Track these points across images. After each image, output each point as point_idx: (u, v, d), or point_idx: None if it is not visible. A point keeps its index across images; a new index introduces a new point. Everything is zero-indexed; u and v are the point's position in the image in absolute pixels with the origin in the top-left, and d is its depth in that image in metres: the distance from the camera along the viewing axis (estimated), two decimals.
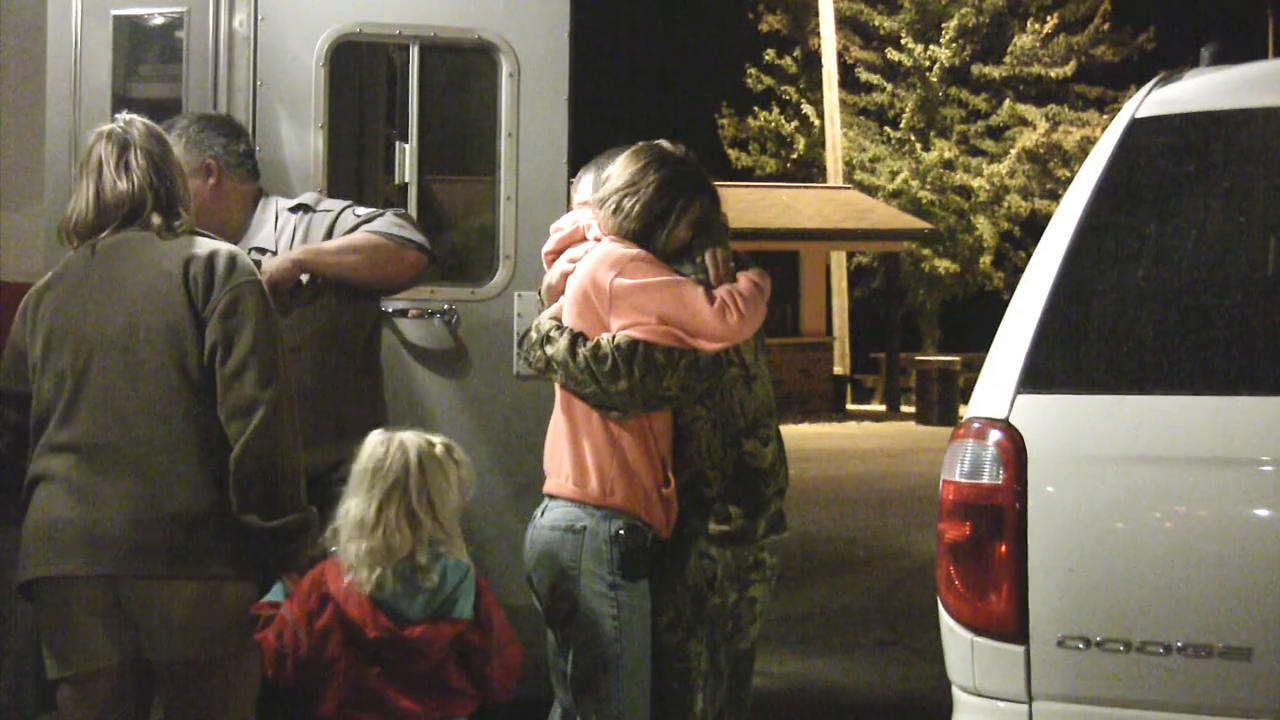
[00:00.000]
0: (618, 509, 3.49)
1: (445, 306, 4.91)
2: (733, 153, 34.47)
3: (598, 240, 3.62)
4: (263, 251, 4.12)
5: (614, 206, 3.58)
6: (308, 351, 4.03)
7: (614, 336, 3.46)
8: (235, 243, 4.05)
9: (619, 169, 3.62)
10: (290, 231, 4.17)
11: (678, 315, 3.45)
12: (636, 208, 3.54)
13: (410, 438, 3.26)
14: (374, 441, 3.27)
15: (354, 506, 3.21)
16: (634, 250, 3.52)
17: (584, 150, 3.78)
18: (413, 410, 4.77)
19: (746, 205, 25.22)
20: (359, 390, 4.20)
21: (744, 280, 3.56)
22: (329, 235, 4.14)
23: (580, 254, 3.63)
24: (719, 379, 3.53)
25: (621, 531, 3.47)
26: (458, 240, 5.53)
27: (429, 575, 3.18)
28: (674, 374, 3.44)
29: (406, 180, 4.92)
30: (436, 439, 3.30)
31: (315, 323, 4.06)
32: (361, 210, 4.20)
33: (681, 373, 3.45)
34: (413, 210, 4.88)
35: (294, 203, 4.28)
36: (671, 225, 3.57)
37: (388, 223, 4.14)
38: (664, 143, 3.67)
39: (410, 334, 4.91)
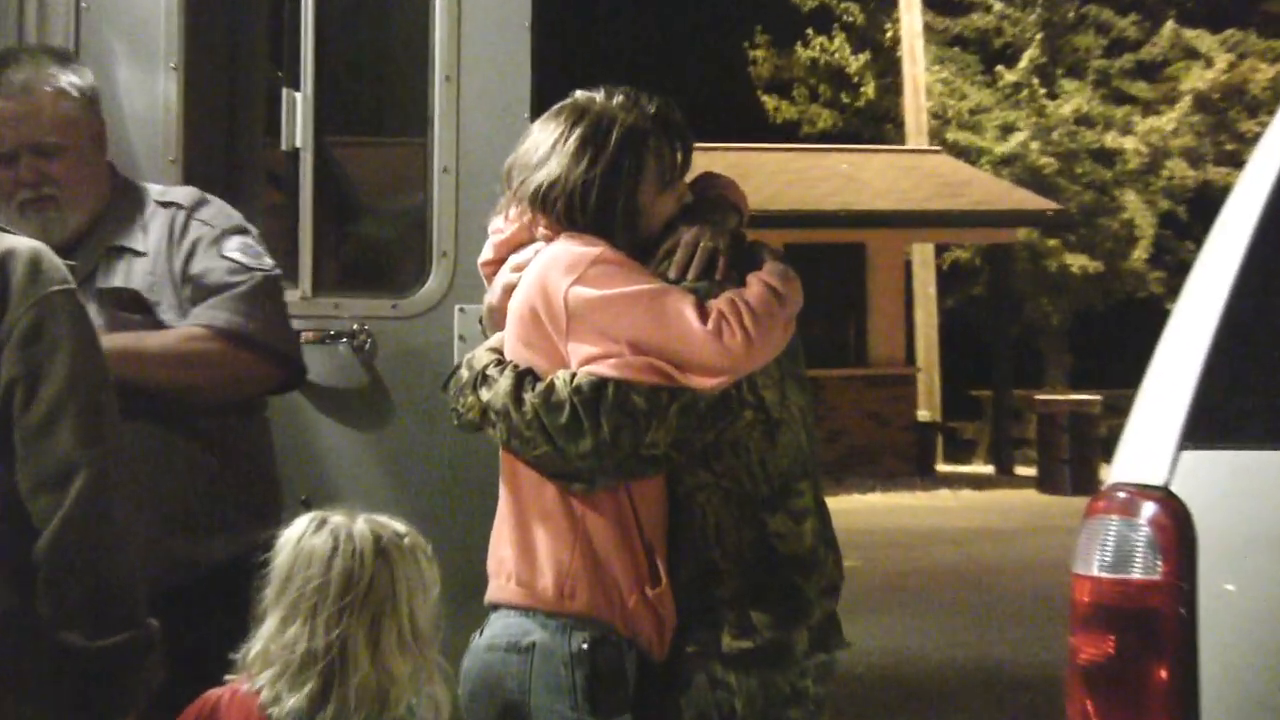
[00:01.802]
0: (580, 617, 3.49)
1: (354, 327, 4.91)
2: (770, 100, 34.55)
3: (550, 239, 3.63)
4: (135, 254, 4.20)
5: (537, 196, 3.61)
6: (187, 415, 4.13)
7: (573, 375, 3.46)
8: (84, 234, 4.15)
9: (529, 144, 3.67)
10: (164, 234, 4.24)
11: (657, 339, 3.44)
12: (559, 187, 3.58)
13: (371, 535, 3.31)
14: (320, 543, 3.29)
15: (299, 636, 3.23)
16: (598, 249, 3.52)
17: (560, 100, 3.79)
18: (309, 476, 4.76)
19: (790, 176, 25.27)
20: (253, 462, 4.29)
21: (755, 284, 3.55)
22: (186, 263, 4.20)
23: (529, 258, 3.64)
24: (729, 428, 3.53)
25: (585, 647, 3.47)
26: (372, 231, 5.53)
27: None
28: (660, 424, 3.43)
29: (298, 144, 4.93)
30: (400, 526, 3.35)
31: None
32: (233, 252, 4.24)
33: (672, 422, 3.44)
34: (306, 187, 4.90)
35: (161, 192, 4.35)
36: (628, 196, 3.59)
37: (234, 307, 4.17)
38: (583, 92, 3.71)
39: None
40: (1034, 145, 31.73)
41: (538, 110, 4.68)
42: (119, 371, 3.77)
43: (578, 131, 3.61)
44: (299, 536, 3.32)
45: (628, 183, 3.60)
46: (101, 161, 4.29)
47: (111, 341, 3.90)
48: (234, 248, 4.25)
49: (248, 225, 4.34)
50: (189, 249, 4.21)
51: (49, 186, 4.12)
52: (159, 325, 4.14)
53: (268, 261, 4.29)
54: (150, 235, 4.22)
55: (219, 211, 4.33)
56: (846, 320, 25.19)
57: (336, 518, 3.33)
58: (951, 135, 31.49)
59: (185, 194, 4.37)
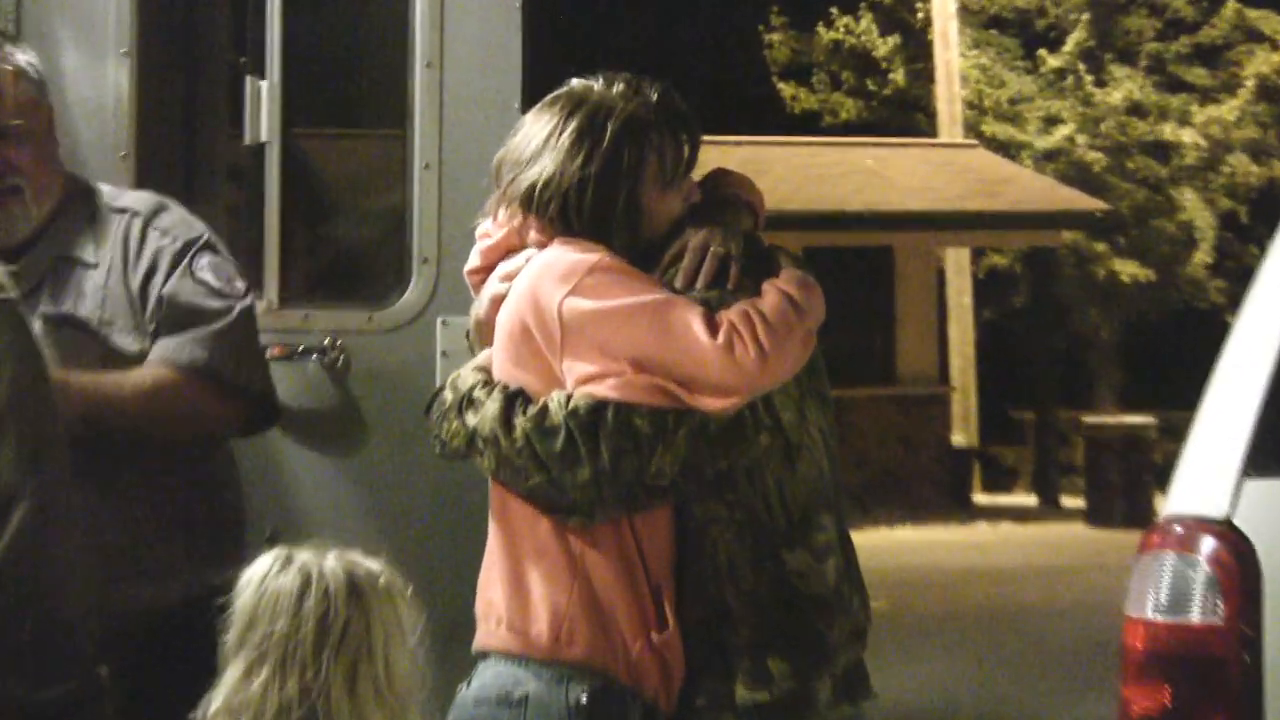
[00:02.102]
0: (579, 665, 3.48)
1: (325, 341, 4.92)
2: (787, 88, 34.56)
3: (542, 245, 3.63)
4: (86, 266, 4.17)
5: (529, 195, 3.61)
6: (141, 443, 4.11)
7: (569, 396, 3.46)
8: (31, 240, 4.15)
9: (520, 138, 3.67)
10: (118, 245, 4.21)
11: (662, 355, 3.43)
12: (553, 186, 3.58)
13: (344, 574, 3.30)
14: (287, 583, 3.29)
15: (267, 687, 3.23)
16: (595, 255, 3.52)
17: (555, 88, 3.80)
18: (276, 508, 4.77)
19: (809, 172, 25.26)
20: (217, 494, 4.30)
21: (771, 293, 3.54)
22: (147, 281, 4.17)
23: (520, 265, 3.65)
24: (743, 454, 3.54)
25: (584, 699, 3.46)
26: (346, 235, 5.54)
27: None
28: (667, 451, 3.43)
29: (264, 137, 4.94)
30: (374, 564, 3.35)
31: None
32: (205, 273, 4.20)
33: (680, 447, 3.44)
34: (273, 185, 4.90)
35: (113, 195, 4.32)
36: (629, 195, 3.59)
37: (211, 343, 4.13)
38: (580, 79, 3.72)
39: None
40: (1080, 138, 31.74)
41: (530, 100, 4.69)
42: (87, 415, 3.81)
43: (573, 123, 3.61)
44: (263, 575, 3.32)
45: (628, 180, 3.60)
46: (55, 153, 4.28)
47: (79, 383, 3.92)
48: (205, 268, 4.21)
49: (213, 238, 4.31)
50: (149, 264, 4.18)
51: (14, 176, 4.10)
52: (110, 350, 4.11)
53: (240, 285, 4.27)
54: (102, 245, 4.20)
55: (179, 220, 4.30)
56: (872, 333, 25.17)
57: (304, 554, 3.33)
58: (989, 127, 31.48)
59: (141, 199, 4.34)
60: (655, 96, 3.67)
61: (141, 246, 4.20)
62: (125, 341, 4.12)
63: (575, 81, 3.72)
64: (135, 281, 4.16)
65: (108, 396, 4.03)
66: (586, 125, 3.60)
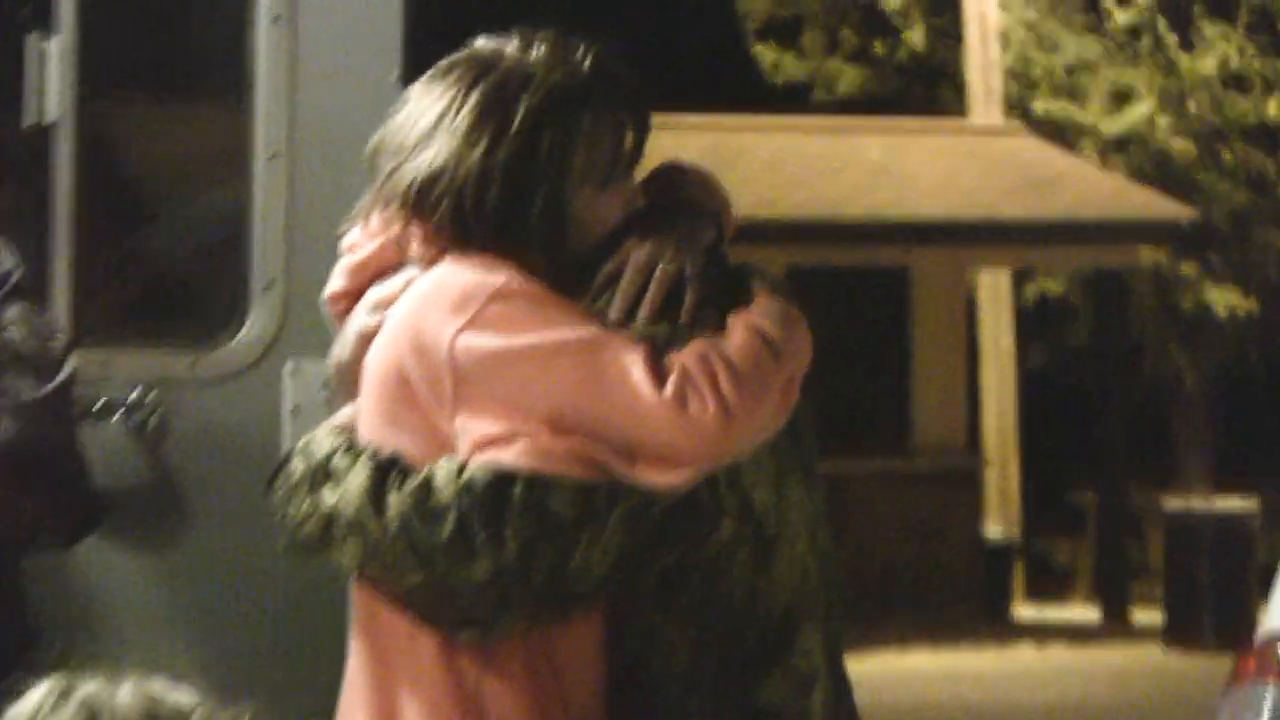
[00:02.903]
0: None
1: (134, 395, 4.93)
2: (768, 52, 34.66)
3: (429, 261, 3.65)
4: None
5: (413, 193, 3.62)
6: None
7: (462, 466, 3.48)
8: None
9: (403, 117, 3.69)
10: None
11: (591, 411, 3.46)
12: (445, 180, 3.60)
13: (142, 711, 3.31)
14: None
15: None
16: (501, 276, 3.53)
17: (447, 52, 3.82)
18: (67, 619, 4.77)
19: (796, 165, 25.37)
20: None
21: (739, 330, 3.56)
22: None
23: (398, 290, 3.66)
24: (698, 547, 3.56)
25: None
26: (163, 249, 5.55)
27: None
28: (594, 541, 3.45)
29: (52, 116, 4.95)
30: (183, 697, 3.36)
31: None
32: (13, 329, 4.16)
33: (613, 537, 3.47)
34: (64, 181, 4.92)
35: None
36: (549, 195, 3.60)
37: (18, 417, 4.11)
38: (487, 39, 3.74)
39: None
40: (1161, 120, 31.90)
41: (415, 69, 4.72)
42: None
43: (475, 98, 3.63)
44: (32, 715, 3.32)
45: (548, 175, 3.62)
46: None
47: None
48: (15, 321, 4.19)
49: (24, 278, 4.29)
50: None
51: None
52: None
53: (59, 344, 4.25)
54: None
55: None
56: (880, 384, 25.30)
57: (89, 685, 3.32)
58: (1038, 107, 31.64)
59: None
60: (588, 63, 3.69)
61: None
62: None
63: (480, 42, 3.73)
64: None
65: None
66: (493, 100, 3.62)
